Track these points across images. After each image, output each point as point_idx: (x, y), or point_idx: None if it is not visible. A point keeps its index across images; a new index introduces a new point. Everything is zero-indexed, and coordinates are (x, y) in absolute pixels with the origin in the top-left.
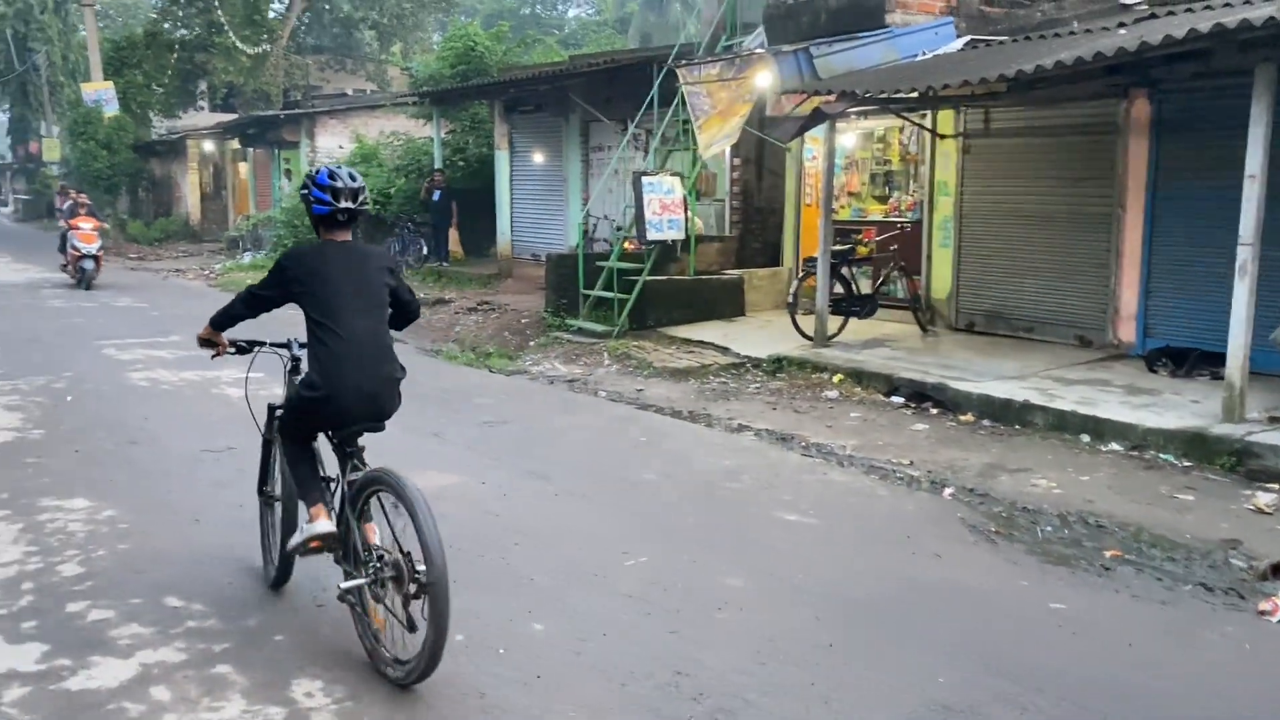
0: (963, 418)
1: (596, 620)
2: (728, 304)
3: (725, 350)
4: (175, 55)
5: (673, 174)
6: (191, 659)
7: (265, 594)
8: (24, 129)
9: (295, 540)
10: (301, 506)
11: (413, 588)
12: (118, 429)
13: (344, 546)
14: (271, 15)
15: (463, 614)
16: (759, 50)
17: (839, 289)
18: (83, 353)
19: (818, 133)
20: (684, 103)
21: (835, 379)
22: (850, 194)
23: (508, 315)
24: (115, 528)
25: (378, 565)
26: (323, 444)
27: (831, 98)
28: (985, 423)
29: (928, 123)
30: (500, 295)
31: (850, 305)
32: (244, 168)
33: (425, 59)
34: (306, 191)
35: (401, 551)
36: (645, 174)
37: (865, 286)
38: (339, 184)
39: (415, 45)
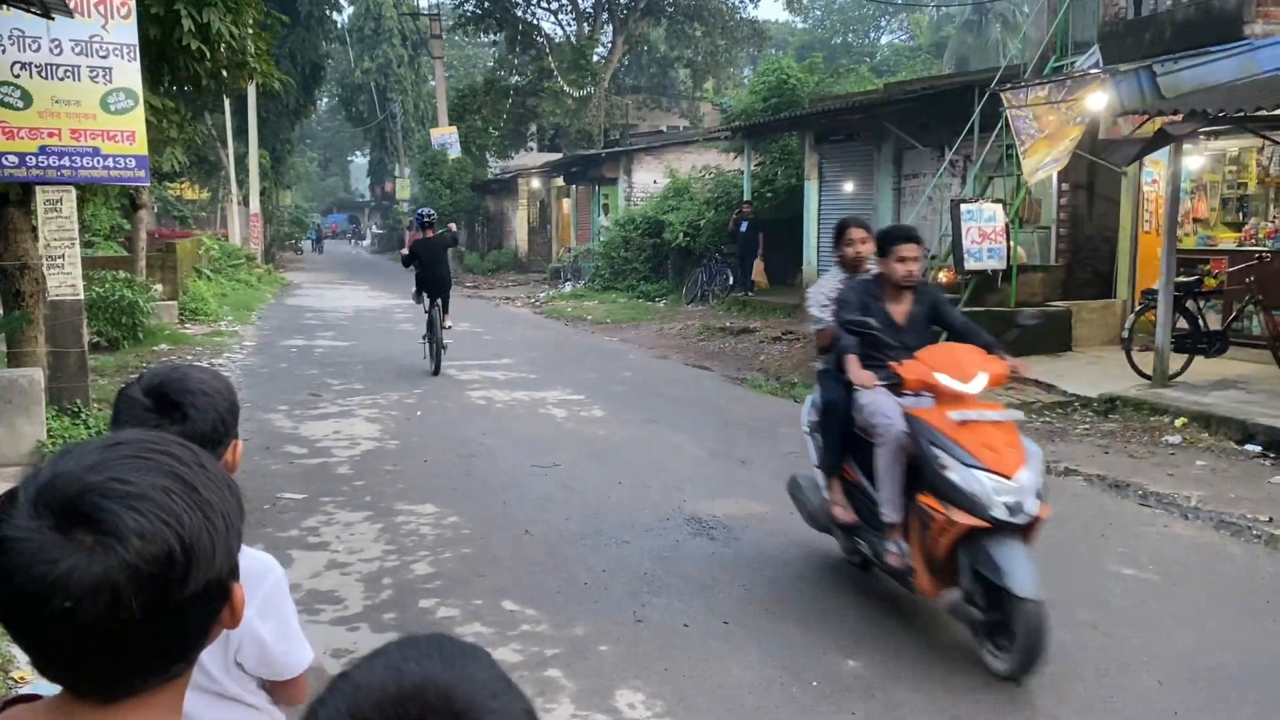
0: None
1: (912, 663)
2: (1052, 338)
3: (1050, 387)
4: (509, 100)
5: (994, 201)
6: (526, 660)
7: (592, 606)
8: (381, 171)
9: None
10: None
11: (436, 346)
12: (459, 443)
13: (428, 325)
14: (595, 59)
15: (776, 643)
16: (1095, 70)
17: (1183, 324)
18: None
19: (1159, 156)
20: (1008, 127)
21: (1178, 423)
22: (1196, 220)
23: (812, 345)
24: (459, 533)
25: (433, 332)
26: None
27: (1178, 118)
28: None
29: None
30: (804, 325)
31: (1196, 342)
32: (567, 203)
33: (737, 94)
34: (416, 212)
35: (441, 335)
36: (964, 201)
37: (1214, 322)
38: (424, 211)
39: (727, 81)
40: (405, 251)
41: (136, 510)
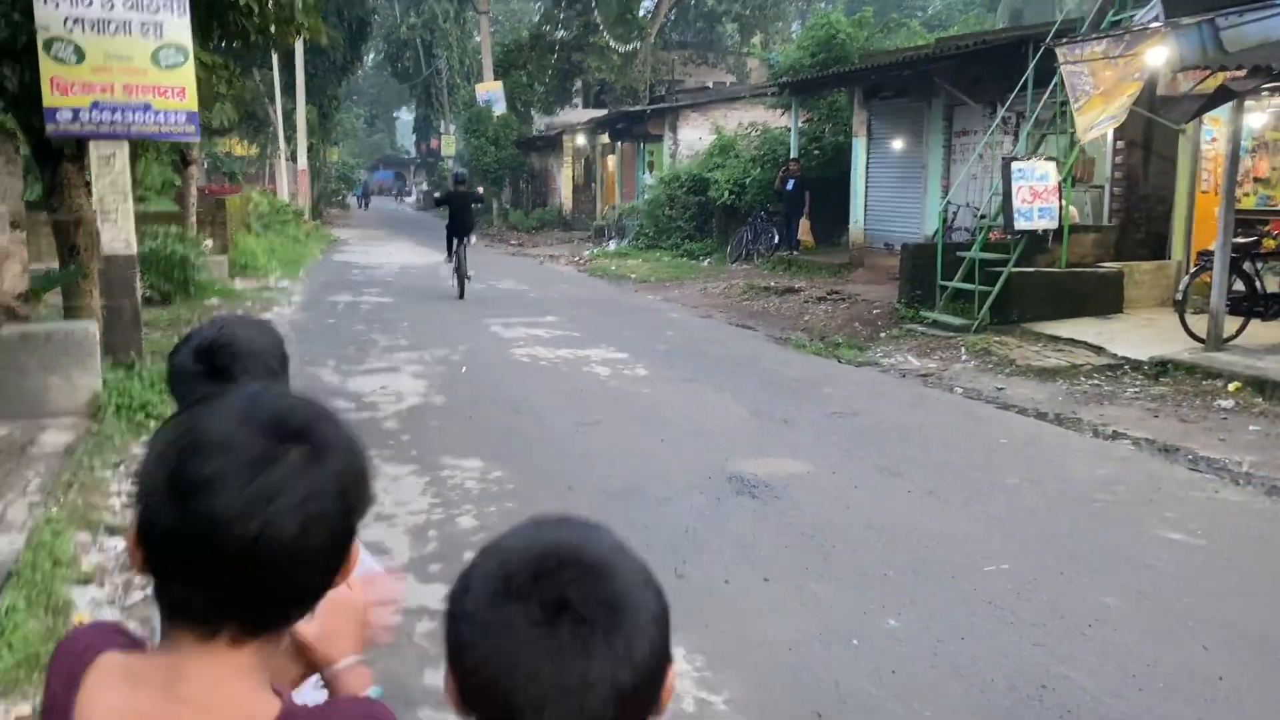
0: None
1: (953, 623)
2: (1103, 300)
3: (1099, 350)
4: (555, 56)
5: (1046, 159)
6: None
7: None
8: (426, 127)
9: (445, 259)
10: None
11: (461, 276)
12: (504, 399)
13: (456, 260)
14: (641, 13)
15: (816, 601)
16: (1155, 24)
17: (1239, 286)
18: (474, 329)
19: (1220, 113)
20: (1062, 83)
21: (1231, 387)
22: (1257, 180)
23: (858, 305)
24: (503, 488)
25: (459, 266)
26: None
27: (1241, 73)
28: None
29: None
30: (850, 285)
31: (1253, 305)
32: (612, 160)
33: (785, 49)
34: (455, 171)
35: (465, 267)
36: (1015, 159)
37: (1272, 284)
38: (460, 171)
39: (775, 36)
40: (438, 195)
41: (333, 425)
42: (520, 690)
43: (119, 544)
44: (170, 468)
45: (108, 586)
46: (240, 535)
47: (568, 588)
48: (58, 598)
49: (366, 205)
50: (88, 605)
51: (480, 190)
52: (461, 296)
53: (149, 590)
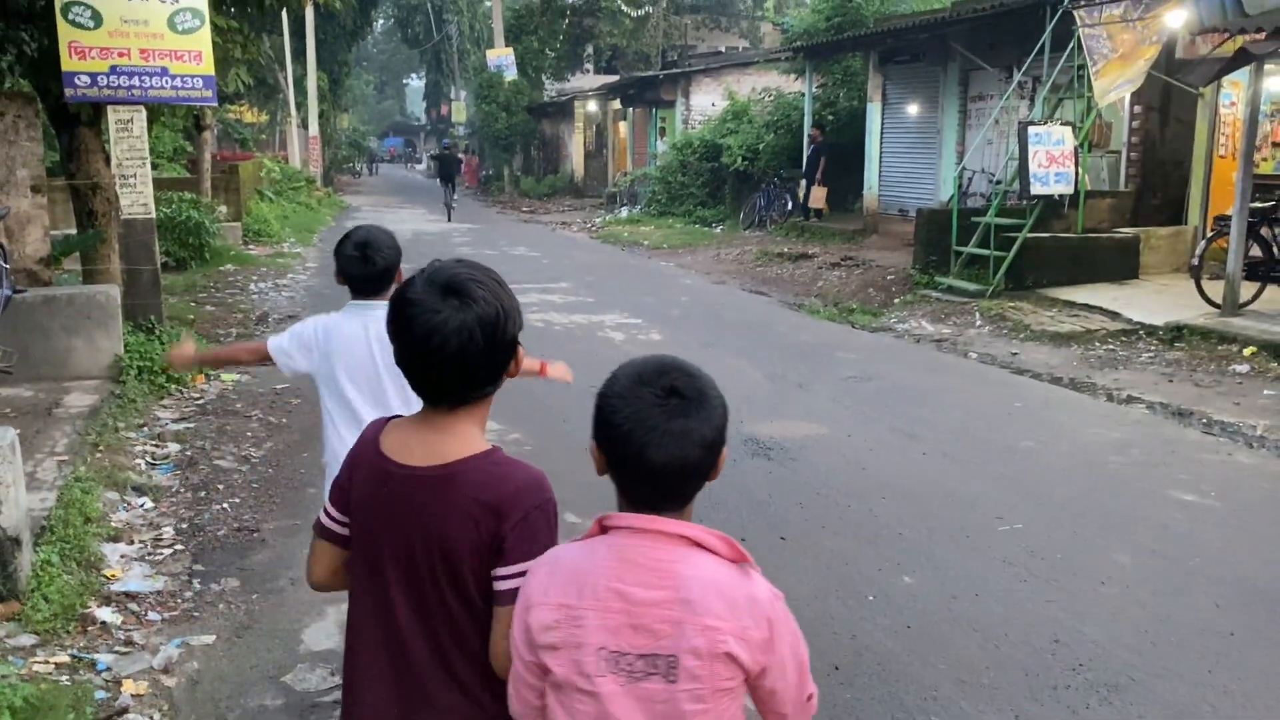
0: None
1: (968, 580)
2: (1119, 265)
3: (1114, 315)
4: (566, 21)
5: (1063, 124)
6: None
7: None
8: (437, 94)
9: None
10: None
11: (448, 208)
12: None
13: (445, 198)
14: None
15: (831, 558)
16: None
17: (1256, 251)
18: None
19: (1239, 76)
20: (1080, 46)
21: (1246, 352)
22: (1275, 145)
23: (872, 271)
24: (521, 449)
25: (447, 201)
26: None
27: (1260, 35)
28: None
29: None
30: (864, 251)
31: (1269, 270)
32: (623, 127)
33: (799, 13)
34: (442, 142)
35: (451, 201)
36: (1032, 124)
37: None
38: (447, 141)
39: None
40: (434, 155)
41: (482, 287)
42: (647, 436)
43: (146, 502)
44: (392, 317)
45: (136, 543)
46: (426, 353)
47: (676, 381)
48: (89, 553)
49: (375, 171)
50: (118, 561)
51: (461, 156)
52: (449, 220)
53: (175, 549)
